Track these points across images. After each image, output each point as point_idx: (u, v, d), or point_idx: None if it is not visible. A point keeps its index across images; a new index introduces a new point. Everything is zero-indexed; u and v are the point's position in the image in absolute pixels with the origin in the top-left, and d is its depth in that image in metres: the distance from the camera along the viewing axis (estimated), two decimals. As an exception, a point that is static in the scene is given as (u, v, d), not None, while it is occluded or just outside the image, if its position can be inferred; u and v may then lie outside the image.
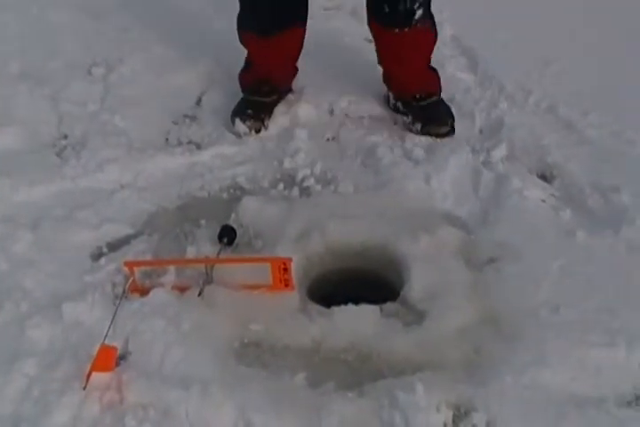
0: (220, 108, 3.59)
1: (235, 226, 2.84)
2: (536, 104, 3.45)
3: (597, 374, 2.32)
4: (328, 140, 3.38)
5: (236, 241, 2.82)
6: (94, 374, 2.29)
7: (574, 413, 2.20)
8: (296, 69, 3.52)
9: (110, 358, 2.34)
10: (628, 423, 2.20)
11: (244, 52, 3.82)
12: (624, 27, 3.81)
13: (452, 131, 3.29)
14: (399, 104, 3.42)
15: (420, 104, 3.32)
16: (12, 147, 3.34)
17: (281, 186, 3.12)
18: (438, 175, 3.05)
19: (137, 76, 3.78)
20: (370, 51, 3.54)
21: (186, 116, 3.58)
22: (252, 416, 2.21)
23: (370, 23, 3.26)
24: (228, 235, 2.80)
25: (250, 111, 3.39)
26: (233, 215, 2.94)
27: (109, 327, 2.43)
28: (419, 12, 3.06)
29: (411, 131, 3.33)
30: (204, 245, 2.79)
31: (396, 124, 3.44)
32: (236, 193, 3.11)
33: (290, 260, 2.59)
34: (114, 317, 2.48)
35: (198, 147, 3.37)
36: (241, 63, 3.67)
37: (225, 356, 2.44)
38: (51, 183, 3.13)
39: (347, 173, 3.14)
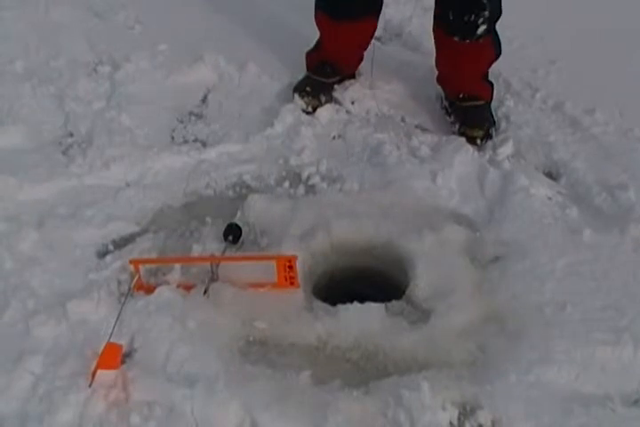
0: (226, 105, 3.59)
1: (240, 224, 2.84)
2: (542, 101, 3.44)
3: (603, 373, 2.32)
4: (334, 138, 3.38)
5: (242, 239, 2.82)
6: (100, 372, 2.29)
7: (579, 411, 2.20)
8: (362, 58, 3.59)
9: (116, 356, 2.35)
10: (633, 422, 2.20)
11: (250, 49, 3.84)
12: (630, 24, 3.80)
13: (486, 136, 3.26)
14: (446, 103, 3.45)
15: (462, 104, 3.33)
16: (17, 145, 3.34)
17: (287, 184, 3.11)
18: (444, 173, 3.05)
19: (143, 73, 3.77)
20: (375, 48, 3.54)
21: (192, 113, 3.57)
22: (258, 414, 2.22)
23: (434, 27, 3.26)
24: (233, 233, 2.80)
25: (308, 88, 3.50)
26: (239, 213, 2.94)
27: (115, 325, 2.44)
28: (482, 28, 3.04)
29: (452, 132, 3.32)
30: (209, 243, 2.79)
31: (402, 121, 3.44)
32: (242, 191, 3.11)
33: (295, 258, 2.59)
34: (119, 315, 2.48)
35: (204, 145, 3.36)
36: (245, 60, 3.69)
37: (230, 354, 2.45)
38: (56, 181, 3.12)
39: (352, 172, 3.14)
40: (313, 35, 3.58)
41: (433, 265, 2.66)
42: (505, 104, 3.44)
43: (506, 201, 2.92)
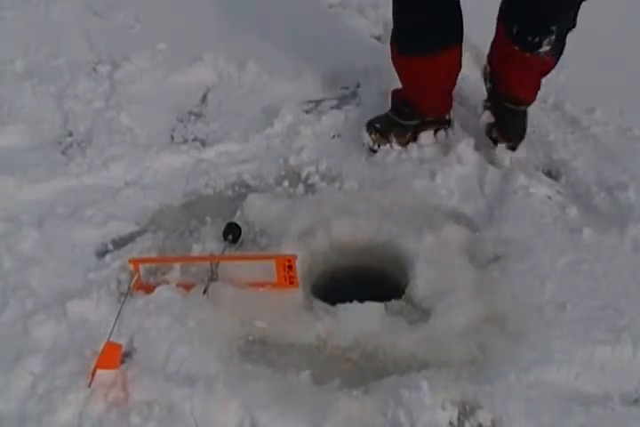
0: (226, 105, 3.59)
1: (240, 223, 2.84)
2: (542, 101, 3.43)
3: (602, 372, 2.32)
4: (333, 137, 3.37)
5: (241, 238, 2.82)
6: (99, 372, 2.29)
7: (579, 410, 2.20)
8: (449, 101, 3.30)
9: (115, 356, 2.35)
10: (632, 421, 2.19)
11: (250, 48, 3.83)
12: (631, 23, 3.80)
13: (516, 144, 3.14)
14: (486, 100, 3.28)
15: (503, 104, 3.15)
16: (17, 145, 3.35)
17: (286, 183, 3.11)
18: (443, 172, 3.04)
19: (142, 73, 3.78)
20: (373, 48, 3.54)
21: (191, 113, 3.57)
22: (257, 414, 2.21)
23: (497, 29, 3.06)
24: (233, 232, 2.80)
25: (378, 125, 3.23)
26: (238, 212, 2.94)
27: (114, 325, 2.44)
28: (545, 48, 2.92)
29: (486, 133, 3.20)
30: (209, 243, 2.79)
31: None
32: (242, 190, 3.11)
33: (294, 257, 2.59)
34: (119, 314, 2.48)
35: (203, 144, 3.37)
36: (245, 59, 3.69)
37: (230, 353, 2.45)
38: (56, 181, 3.13)
39: (352, 171, 3.14)
40: (313, 34, 3.59)
41: (433, 264, 2.66)
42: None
43: (505, 200, 2.91)
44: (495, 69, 3.19)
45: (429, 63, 3.02)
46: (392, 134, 3.21)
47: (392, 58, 3.13)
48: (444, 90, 3.24)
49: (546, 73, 3.11)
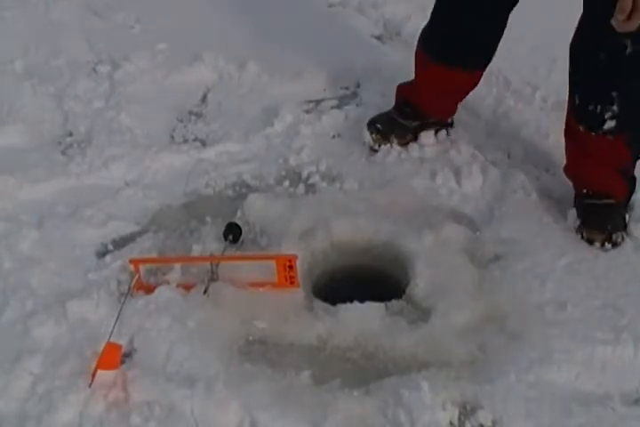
0: (226, 105, 3.59)
1: (240, 223, 2.84)
2: (543, 100, 3.44)
3: (603, 372, 2.31)
4: (333, 137, 3.37)
5: (242, 238, 2.81)
6: (99, 372, 2.29)
7: (579, 410, 2.20)
8: (453, 108, 3.25)
9: (115, 356, 2.34)
10: (633, 421, 2.19)
11: (250, 48, 3.83)
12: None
13: (609, 241, 2.76)
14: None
15: (584, 201, 2.86)
16: (16, 145, 3.34)
17: (286, 183, 3.11)
18: (443, 172, 3.04)
19: (142, 73, 3.77)
20: (374, 48, 3.53)
21: (191, 113, 3.57)
22: (258, 414, 2.21)
23: (567, 110, 2.87)
24: (233, 232, 2.79)
25: (379, 126, 3.22)
26: (238, 212, 2.94)
27: (114, 325, 2.43)
28: (610, 123, 2.66)
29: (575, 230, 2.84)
30: (209, 243, 2.79)
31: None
32: (242, 190, 3.11)
33: (295, 257, 2.59)
34: (119, 314, 2.48)
35: (204, 144, 3.36)
36: (245, 59, 3.68)
37: (230, 353, 2.44)
38: (56, 181, 3.12)
39: (352, 170, 3.13)
40: (313, 33, 3.58)
41: (433, 264, 2.66)
42: (505, 103, 3.44)
43: (506, 200, 2.92)
44: (568, 160, 2.93)
45: (459, 76, 3.01)
46: (393, 135, 3.20)
47: (416, 58, 3.12)
48: (457, 99, 3.22)
49: (623, 163, 2.82)
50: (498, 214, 2.86)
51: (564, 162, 2.95)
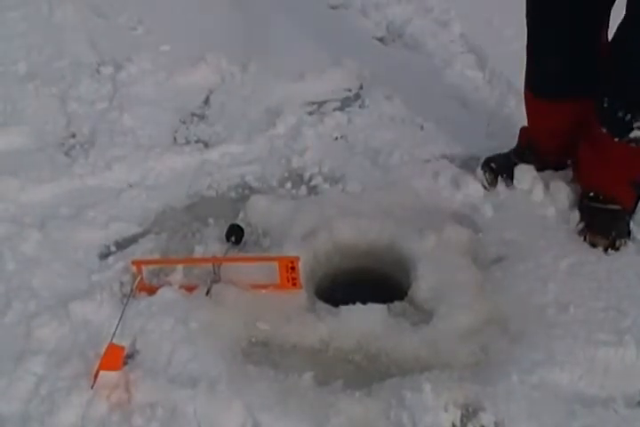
0: (228, 106, 3.60)
1: (242, 225, 2.84)
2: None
3: (606, 374, 2.31)
4: (336, 138, 3.38)
5: (244, 240, 2.82)
6: (102, 373, 2.29)
7: (582, 412, 2.19)
8: (565, 147, 3.00)
9: (118, 357, 2.34)
10: (636, 423, 2.18)
11: (252, 49, 3.83)
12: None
13: (612, 247, 2.71)
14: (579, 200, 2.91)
15: (590, 204, 2.80)
16: (20, 146, 3.36)
17: (289, 185, 3.12)
18: (446, 173, 3.04)
19: (145, 74, 3.79)
20: (376, 50, 3.54)
21: (194, 114, 3.58)
22: (260, 415, 2.21)
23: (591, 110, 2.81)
24: (235, 234, 2.80)
25: (494, 165, 3.04)
26: (241, 214, 2.95)
27: (117, 326, 2.44)
28: (636, 133, 2.59)
29: (577, 232, 2.79)
30: (211, 244, 2.80)
31: (403, 122, 3.43)
32: (244, 192, 3.11)
33: (297, 259, 2.59)
34: (121, 316, 2.48)
35: (206, 146, 3.37)
36: (247, 61, 3.69)
37: (232, 355, 2.44)
38: (58, 182, 3.13)
39: (355, 172, 3.14)
40: (315, 35, 3.58)
41: (435, 266, 2.66)
42: (507, 104, 3.44)
43: (508, 201, 2.91)
44: (582, 160, 2.86)
45: (557, 108, 2.88)
46: (505, 175, 3.03)
47: (524, 97, 3.03)
48: (563, 136, 2.98)
49: (637, 173, 2.76)
50: (500, 216, 2.86)
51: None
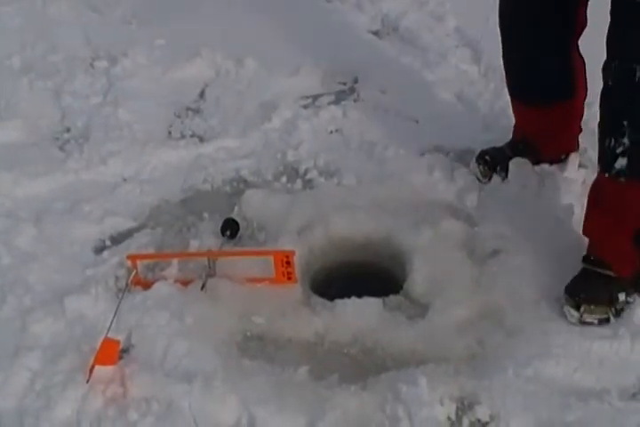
0: (223, 100, 3.59)
1: (237, 219, 2.84)
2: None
3: (601, 367, 2.31)
4: (331, 132, 3.37)
5: (239, 234, 2.82)
6: (97, 368, 2.29)
7: (577, 405, 2.19)
8: (570, 145, 3.04)
9: (113, 352, 2.34)
10: (630, 415, 2.19)
11: (248, 44, 3.82)
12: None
13: (579, 311, 2.43)
14: None
15: (583, 265, 2.53)
16: (14, 140, 3.35)
17: (284, 179, 3.11)
18: (441, 167, 3.04)
19: (140, 69, 3.78)
20: (371, 44, 3.52)
21: (189, 108, 3.57)
22: (255, 409, 2.21)
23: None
24: (230, 228, 2.79)
25: (488, 158, 3.02)
26: (236, 208, 2.94)
27: (112, 321, 2.44)
28: (621, 161, 2.37)
29: None
30: (206, 239, 2.79)
31: (398, 115, 3.43)
32: (239, 186, 3.11)
33: (293, 253, 2.59)
34: (117, 310, 2.48)
35: (201, 140, 3.37)
36: (243, 55, 3.68)
37: (228, 349, 2.44)
38: (53, 177, 3.13)
39: (350, 166, 3.13)
40: (310, 29, 3.57)
41: (431, 260, 2.66)
42: (502, 98, 3.43)
43: (503, 195, 2.91)
44: (586, 212, 2.61)
45: (548, 114, 2.88)
46: (499, 167, 3.02)
47: (512, 105, 3.04)
48: (562, 137, 3.02)
49: (637, 222, 2.47)
50: (495, 210, 2.85)
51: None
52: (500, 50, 2.87)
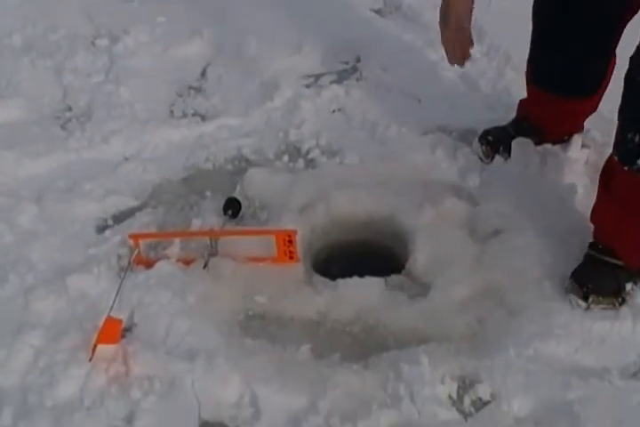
0: (225, 79, 3.57)
1: (239, 198, 2.84)
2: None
3: (602, 346, 2.32)
4: (334, 111, 3.36)
5: (241, 213, 2.82)
6: (100, 347, 2.30)
7: (578, 384, 2.20)
8: (575, 127, 3.01)
9: (116, 331, 2.35)
10: (630, 394, 2.20)
11: (250, 22, 3.79)
12: None
13: (584, 300, 2.44)
14: None
15: (588, 252, 2.53)
16: (15, 119, 3.34)
17: (286, 158, 3.11)
18: (443, 146, 3.03)
19: (141, 47, 3.76)
20: (373, 22, 3.50)
21: (191, 87, 3.56)
22: (257, 388, 2.22)
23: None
24: (232, 207, 2.79)
25: (491, 138, 3.01)
26: (238, 187, 2.94)
27: (114, 300, 2.44)
28: None
29: None
30: (208, 218, 2.79)
31: (401, 93, 3.42)
32: (242, 165, 3.10)
33: (295, 232, 2.59)
34: (119, 289, 2.48)
35: (203, 118, 3.35)
36: (245, 33, 3.66)
37: (230, 328, 2.45)
38: (55, 155, 3.12)
39: (352, 145, 3.12)
40: (312, 8, 3.54)
41: (433, 239, 2.66)
42: (505, 77, 3.43)
43: (505, 174, 2.91)
44: (596, 202, 2.56)
45: (560, 104, 2.85)
46: (502, 147, 3.00)
47: (527, 85, 2.97)
48: (569, 123, 3.00)
49: None
50: (497, 189, 2.85)
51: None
52: (504, 30, 2.84)
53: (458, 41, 2.47)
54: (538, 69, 2.88)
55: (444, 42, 2.49)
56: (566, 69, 2.74)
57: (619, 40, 2.64)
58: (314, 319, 2.49)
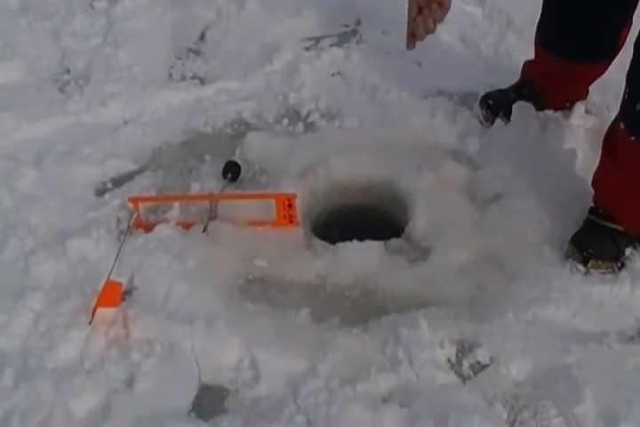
0: (225, 42, 3.55)
1: (239, 162, 2.83)
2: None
3: (600, 310, 2.33)
4: (333, 75, 3.34)
5: (241, 177, 2.81)
6: (100, 310, 2.30)
7: (576, 348, 2.21)
8: (578, 94, 2.99)
9: (115, 294, 2.35)
10: (629, 358, 2.21)
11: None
12: None
13: (584, 265, 2.45)
14: None
15: (588, 217, 2.53)
16: (13, 82, 3.32)
17: (286, 121, 3.09)
18: (443, 110, 3.02)
19: (140, 9, 3.72)
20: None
21: (190, 50, 3.54)
22: (257, 351, 2.23)
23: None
24: (232, 170, 2.79)
25: (491, 102, 2.99)
26: (237, 151, 2.93)
27: (114, 263, 2.44)
28: None
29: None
30: (208, 181, 2.79)
31: (401, 57, 3.40)
32: (241, 128, 3.09)
33: (294, 196, 2.58)
34: (119, 252, 2.48)
35: (202, 82, 3.34)
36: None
37: (230, 292, 2.45)
38: (53, 119, 3.11)
39: (352, 108, 3.11)
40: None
41: (432, 203, 2.66)
42: (506, 40, 3.40)
43: (505, 139, 2.90)
44: (598, 168, 2.54)
45: (568, 67, 2.82)
46: (502, 112, 2.98)
47: (535, 48, 2.92)
48: (573, 89, 2.97)
49: None
50: (497, 153, 2.84)
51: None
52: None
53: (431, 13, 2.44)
54: (549, 34, 2.83)
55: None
56: (581, 35, 2.69)
57: (637, 4, 2.58)
58: (313, 283, 2.49)
